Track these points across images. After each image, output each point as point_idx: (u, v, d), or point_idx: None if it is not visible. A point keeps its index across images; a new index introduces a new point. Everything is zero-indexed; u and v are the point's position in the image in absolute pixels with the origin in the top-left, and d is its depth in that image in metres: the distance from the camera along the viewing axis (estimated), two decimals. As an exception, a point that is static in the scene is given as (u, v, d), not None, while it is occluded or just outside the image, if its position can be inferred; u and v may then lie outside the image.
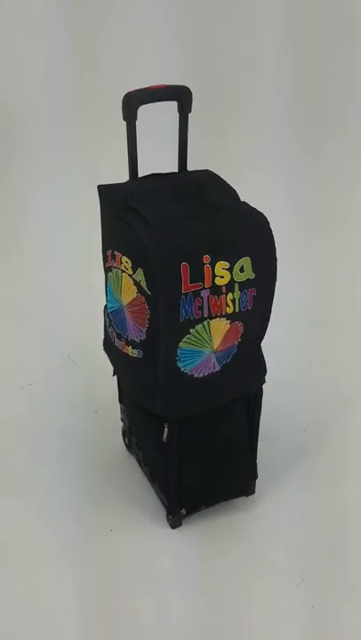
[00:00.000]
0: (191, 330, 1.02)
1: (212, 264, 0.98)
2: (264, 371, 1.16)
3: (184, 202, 1.03)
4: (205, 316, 1.01)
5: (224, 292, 1.01)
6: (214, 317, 1.02)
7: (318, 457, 1.40)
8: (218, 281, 1.00)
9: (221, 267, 0.99)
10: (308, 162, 2.02)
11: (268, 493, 1.29)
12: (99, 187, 1.08)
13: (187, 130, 1.10)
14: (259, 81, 1.92)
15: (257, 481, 1.27)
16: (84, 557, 1.19)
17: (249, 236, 1.01)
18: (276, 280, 1.05)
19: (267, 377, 1.16)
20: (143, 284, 0.99)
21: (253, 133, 1.97)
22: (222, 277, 1.00)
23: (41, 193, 2.07)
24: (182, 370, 1.06)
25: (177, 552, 1.21)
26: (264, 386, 1.17)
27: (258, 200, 1.07)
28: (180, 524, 1.25)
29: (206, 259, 0.98)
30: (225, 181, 1.11)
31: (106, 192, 1.07)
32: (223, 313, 1.03)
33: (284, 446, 1.41)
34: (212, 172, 1.14)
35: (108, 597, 1.13)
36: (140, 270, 0.99)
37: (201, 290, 0.99)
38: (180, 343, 1.03)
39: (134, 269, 1.00)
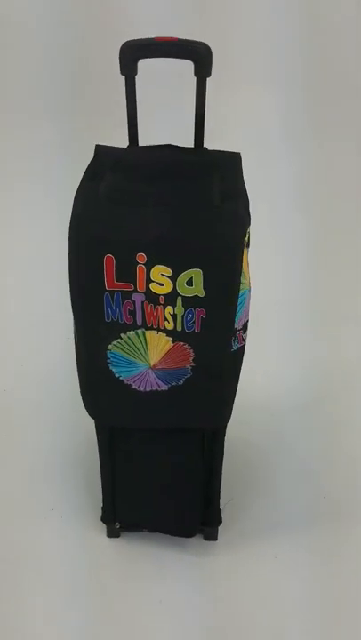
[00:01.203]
0: (122, 335, 0.86)
1: (148, 266, 0.80)
2: (227, 410, 0.96)
3: (162, 184, 0.86)
4: (139, 324, 0.85)
5: (162, 302, 0.83)
6: (150, 329, 0.85)
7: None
8: (154, 288, 0.82)
9: (160, 272, 0.81)
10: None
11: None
12: (97, 146, 0.94)
13: (204, 98, 0.90)
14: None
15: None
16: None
17: (207, 244, 0.80)
18: (235, 307, 0.84)
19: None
20: None
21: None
22: (161, 285, 0.81)
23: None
24: (116, 375, 0.91)
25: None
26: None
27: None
28: (118, 536, 1.13)
29: (141, 258, 0.80)
30: (242, 180, 0.91)
31: (98, 154, 0.93)
32: (161, 327, 0.85)
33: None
34: (240, 159, 0.94)
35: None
36: None
37: (132, 292, 0.82)
38: (110, 346, 0.88)
39: None
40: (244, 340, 0.97)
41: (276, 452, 1.31)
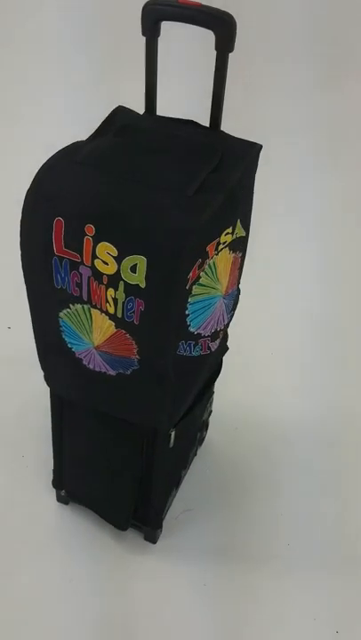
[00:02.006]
0: (71, 305, 0.82)
1: (96, 240, 0.74)
2: (165, 415, 0.89)
3: (148, 160, 0.78)
4: (85, 299, 0.80)
5: (105, 282, 0.76)
6: (95, 307, 0.80)
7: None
8: (99, 265, 0.75)
9: (106, 250, 0.74)
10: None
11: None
12: (117, 107, 0.89)
13: (223, 76, 0.80)
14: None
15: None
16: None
17: (155, 231, 0.72)
18: (176, 306, 0.75)
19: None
20: None
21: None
22: (106, 264, 0.75)
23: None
24: (69, 346, 0.87)
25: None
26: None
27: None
28: (66, 503, 1.12)
29: (90, 229, 0.74)
30: (247, 175, 0.81)
31: (115, 114, 0.88)
32: (104, 309, 0.79)
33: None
34: (257, 151, 0.84)
35: None
36: None
37: (80, 264, 0.77)
38: (61, 314, 0.84)
39: None
40: (210, 349, 0.89)
41: (266, 486, 1.22)
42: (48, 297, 0.83)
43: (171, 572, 1.06)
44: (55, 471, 1.08)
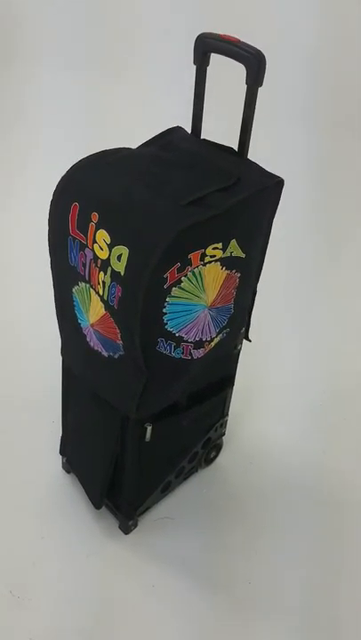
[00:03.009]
0: (80, 282, 0.93)
1: (97, 226, 0.84)
2: (133, 404, 0.94)
3: (166, 170, 0.87)
4: (87, 279, 0.90)
5: (99, 266, 0.86)
6: (92, 288, 0.90)
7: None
8: (96, 250, 0.85)
9: (102, 237, 0.84)
10: None
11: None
12: (176, 127, 1.00)
13: (252, 109, 0.86)
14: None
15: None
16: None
17: (139, 226, 0.80)
18: (140, 299, 0.81)
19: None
20: None
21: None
22: (101, 250, 0.85)
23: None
24: (78, 320, 0.98)
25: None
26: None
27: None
28: (68, 472, 1.23)
29: (94, 216, 0.84)
30: (256, 208, 0.86)
31: (169, 132, 0.98)
32: (97, 290, 0.88)
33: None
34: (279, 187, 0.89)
35: None
36: None
37: (85, 246, 0.87)
38: (73, 289, 0.95)
39: None
40: (191, 356, 0.94)
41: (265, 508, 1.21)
42: (65, 272, 0.95)
43: (129, 565, 1.11)
44: (61, 439, 1.19)
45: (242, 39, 0.84)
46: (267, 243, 0.97)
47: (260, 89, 0.85)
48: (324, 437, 1.38)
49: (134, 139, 0.99)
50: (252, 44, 0.84)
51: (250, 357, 1.30)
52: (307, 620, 1.05)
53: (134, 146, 0.96)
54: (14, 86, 1.96)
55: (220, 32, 0.87)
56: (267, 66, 0.83)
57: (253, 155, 0.94)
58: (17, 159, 1.98)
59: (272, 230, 0.97)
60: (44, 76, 1.92)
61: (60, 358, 1.09)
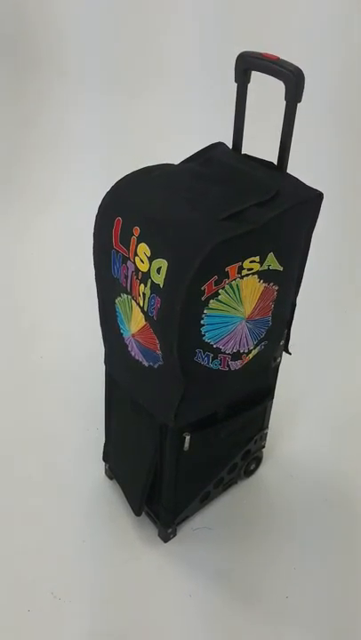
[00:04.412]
0: (122, 294, 0.96)
1: (138, 240, 0.87)
2: (171, 412, 0.96)
3: (208, 186, 0.89)
4: (128, 290, 0.93)
5: (140, 278, 0.88)
6: (134, 299, 0.92)
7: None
8: (137, 262, 0.88)
9: (143, 250, 0.86)
10: None
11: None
12: (218, 143, 1.02)
13: (291, 124, 0.87)
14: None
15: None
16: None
17: (180, 242, 0.82)
18: (178, 310, 0.82)
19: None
20: None
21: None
22: (142, 262, 0.87)
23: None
24: (120, 331, 1.01)
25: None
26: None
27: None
28: (111, 478, 1.25)
29: (136, 230, 0.87)
30: (294, 220, 0.87)
31: (212, 148, 1.01)
32: (137, 302, 0.91)
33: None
34: (318, 200, 0.89)
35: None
36: None
37: (128, 259, 0.90)
38: (116, 300, 0.98)
39: None
40: (228, 367, 0.95)
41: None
42: (109, 284, 0.98)
43: (166, 573, 1.12)
44: (104, 446, 1.22)
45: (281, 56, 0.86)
46: (306, 256, 0.98)
47: (300, 104, 0.87)
48: (367, 452, 1.37)
49: (173, 154, 1.02)
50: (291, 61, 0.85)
51: (293, 370, 1.30)
52: (342, 639, 1.04)
53: (175, 161, 0.99)
54: (51, 107, 2.07)
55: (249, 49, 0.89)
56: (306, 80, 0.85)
57: (297, 169, 0.95)
58: (57, 175, 2.07)
59: (314, 242, 0.98)
60: (83, 95, 2.01)
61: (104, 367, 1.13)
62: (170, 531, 1.14)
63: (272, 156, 0.95)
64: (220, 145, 1.02)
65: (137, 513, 1.14)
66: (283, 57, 0.86)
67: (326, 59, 1.69)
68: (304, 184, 0.91)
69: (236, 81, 0.92)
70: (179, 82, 1.86)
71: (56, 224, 1.98)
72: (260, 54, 0.87)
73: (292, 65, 0.84)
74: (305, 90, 0.85)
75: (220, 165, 0.95)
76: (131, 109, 1.97)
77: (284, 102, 0.87)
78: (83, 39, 1.93)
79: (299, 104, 0.86)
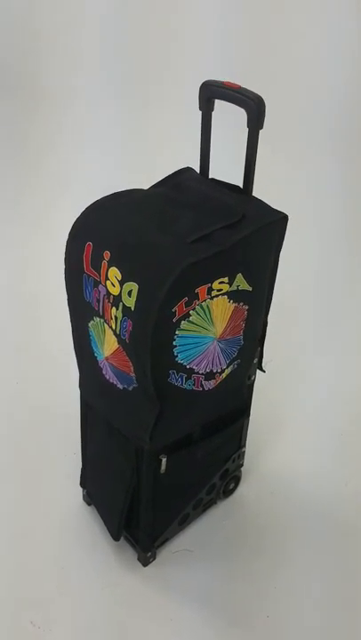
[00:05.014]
0: (95, 317, 0.97)
1: (109, 264, 0.88)
2: (146, 434, 0.97)
3: (175, 209, 0.91)
4: (101, 314, 0.94)
5: (111, 301, 0.90)
6: (106, 322, 0.94)
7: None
8: (109, 286, 0.90)
9: (114, 274, 0.88)
10: None
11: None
12: (186, 168, 1.04)
13: (254, 149, 0.90)
14: None
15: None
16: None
17: (148, 263, 0.84)
18: (150, 333, 0.83)
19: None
20: None
21: None
22: (113, 286, 0.89)
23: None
24: (94, 354, 1.02)
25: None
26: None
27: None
28: (89, 504, 1.24)
29: (106, 255, 0.89)
30: (262, 241, 0.90)
31: (180, 173, 1.03)
32: (110, 325, 0.92)
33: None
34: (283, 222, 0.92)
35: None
36: None
37: (99, 283, 0.92)
38: (89, 324, 0.99)
39: None
40: (202, 387, 0.96)
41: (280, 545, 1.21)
42: (81, 308, 0.99)
43: (147, 597, 1.11)
44: (81, 471, 1.22)
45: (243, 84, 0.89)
46: (274, 275, 1.00)
47: (265, 131, 0.90)
48: (347, 468, 1.38)
49: (145, 180, 1.04)
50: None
51: (269, 387, 1.32)
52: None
53: (145, 186, 1.01)
54: (39, 123, 2.11)
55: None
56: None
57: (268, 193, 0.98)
58: (45, 194, 2.09)
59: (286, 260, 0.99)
60: (72, 115, 2.05)
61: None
62: (149, 554, 1.14)
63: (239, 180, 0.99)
64: (187, 170, 1.05)
65: (116, 538, 1.13)
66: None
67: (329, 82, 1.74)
68: (270, 207, 0.94)
69: (200, 109, 0.96)
70: (183, 104, 1.92)
71: (43, 245, 2.00)
72: (222, 83, 0.90)
73: (252, 93, 0.87)
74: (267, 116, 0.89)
75: (188, 190, 0.98)
76: (130, 128, 2.02)
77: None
78: (85, 57, 1.99)
79: (261, 130, 0.90)
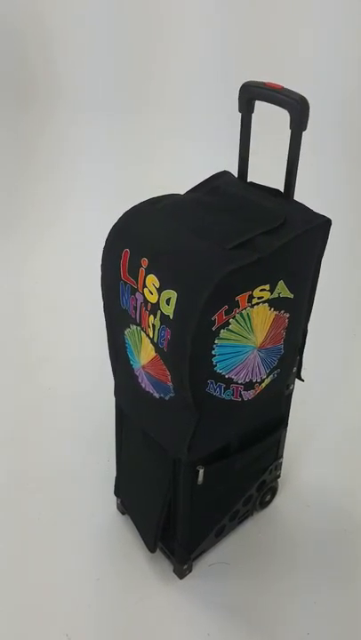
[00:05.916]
0: (131, 325, 0.95)
1: (147, 271, 0.86)
2: (184, 445, 0.94)
3: (215, 216, 0.89)
4: (138, 322, 0.92)
5: (149, 309, 0.87)
6: (143, 331, 0.91)
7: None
8: (147, 294, 0.87)
9: (152, 282, 0.86)
10: None
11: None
12: (223, 171, 1.02)
13: (296, 152, 0.87)
14: None
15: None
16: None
17: (189, 273, 0.81)
18: (189, 342, 0.81)
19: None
20: None
21: None
22: (151, 294, 0.86)
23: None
24: (130, 362, 1.00)
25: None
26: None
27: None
28: (123, 513, 1.23)
29: (144, 262, 0.86)
30: (303, 247, 0.87)
31: (216, 177, 1.01)
32: (147, 333, 0.89)
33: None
34: (326, 227, 0.89)
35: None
36: None
37: (136, 290, 0.90)
38: (125, 332, 0.97)
39: None
40: (241, 397, 0.93)
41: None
42: (118, 315, 0.98)
43: (183, 611, 1.09)
44: (116, 480, 1.20)
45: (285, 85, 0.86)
46: (316, 282, 0.97)
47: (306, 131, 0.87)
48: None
49: (179, 184, 1.02)
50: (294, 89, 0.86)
51: (306, 396, 1.28)
52: None
53: (178, 186, 0.99)
54: (51, 132, 2.12)
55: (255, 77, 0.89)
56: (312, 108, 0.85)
57: (305, 195, 0.95)
58: (57, 204, 2.10)
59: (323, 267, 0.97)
60: (86, 121, 2.05)
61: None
62: (185, 567, 1.11)
63: (279, 184, 0.96)
64: (225, 174, 1.02)
65: (151, 549, 1.11)
66: (287, 81, 0.87)
67: (332, 84, 1.70)
68: (312, 210, 0.91)
69: (240, 111, 0.93)
70: (183, 109, 1.89)
71: (60, 251, 2.00)
72: (263, 84, 0.87)
73: (296, 94, 0.84)
74: (311, 117, 0.86)
75: (226, 194, 0.95)
76: (133, 137, 2.00)
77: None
78: (84, 63, 1.99)
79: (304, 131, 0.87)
